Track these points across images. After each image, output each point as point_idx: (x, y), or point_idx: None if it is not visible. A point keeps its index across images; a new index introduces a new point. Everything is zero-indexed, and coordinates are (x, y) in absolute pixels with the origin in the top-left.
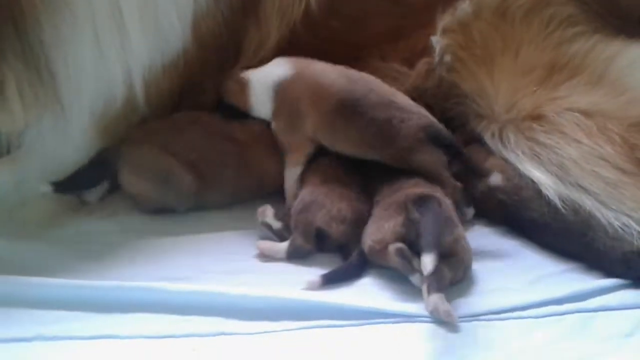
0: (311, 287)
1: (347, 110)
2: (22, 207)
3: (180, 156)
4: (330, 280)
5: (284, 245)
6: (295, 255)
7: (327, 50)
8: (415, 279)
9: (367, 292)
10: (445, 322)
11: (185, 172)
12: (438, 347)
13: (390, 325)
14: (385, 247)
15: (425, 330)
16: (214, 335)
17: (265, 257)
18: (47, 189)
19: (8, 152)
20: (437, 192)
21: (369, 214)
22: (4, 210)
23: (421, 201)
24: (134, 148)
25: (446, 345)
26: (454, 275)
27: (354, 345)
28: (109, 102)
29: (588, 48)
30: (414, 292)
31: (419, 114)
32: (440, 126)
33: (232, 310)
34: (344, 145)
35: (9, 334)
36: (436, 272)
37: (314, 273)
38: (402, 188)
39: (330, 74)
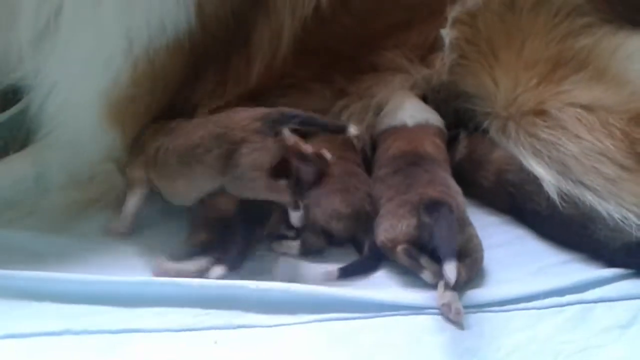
0: (328, 277)
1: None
2: (43, 200)
3: None
4: (347, 273)
5: (296, 243)
6: (308, 253)
7: (339, 46)
8: (425, 275)
9: (378, 284)
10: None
11: None
12: (445, 338)
13: (400, 317)
14: (396, 246)
15: (433, 322)
16: (235, 328)
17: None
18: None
19: (25, 146)
20: (449, 195)
21: (369, 199)
22: (25, 203)
23: (433, 207)
24: None
25: (453, 337)
26: (469, 275)
27: (366, 336)
28: (115, 80)
29: (594, 42)
30: (422, 285)
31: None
32: (279, 109)
33: (251, 304)
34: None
35: (39, 328)
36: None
37: (330, 267)
38: (415, 185)
39: None
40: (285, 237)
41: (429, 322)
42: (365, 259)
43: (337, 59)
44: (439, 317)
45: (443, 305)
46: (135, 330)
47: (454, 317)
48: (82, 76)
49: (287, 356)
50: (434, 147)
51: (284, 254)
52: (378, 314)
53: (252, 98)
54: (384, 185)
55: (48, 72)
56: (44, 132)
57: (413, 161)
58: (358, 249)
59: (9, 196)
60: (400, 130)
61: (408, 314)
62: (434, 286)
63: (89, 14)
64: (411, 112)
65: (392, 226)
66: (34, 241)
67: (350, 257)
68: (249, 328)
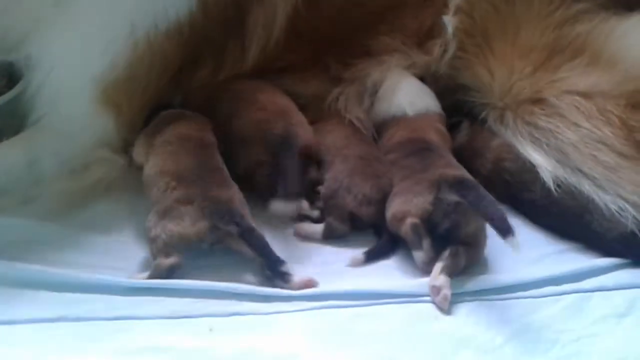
0: (355, 264)
1: None
2: (36, 188)
3: None
4: (372, 257)
5: (319, 227)
6: (331, 236)
7: (331, 30)
8: (418, 256)
9: (374, 272)
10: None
11: None
12: (441, 326)
13: (396, 305)
14: (405, 218)
15: (429, 309)
16: (229, 315)
17: (302, 238)
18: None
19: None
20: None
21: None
22: (18, 191)
23: (462, 185)
24: None
25: (449, 325)
26: (469, 263)
27: (361, 324)
28: (112, 63)
29: (590, 28)
30: (417, 273)
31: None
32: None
33: (246, 291)
34: None
35: (34, 315)
36: (455, 257)
37: (326, 256)
38: (433, 165)
39: None
40: (308, 219)
41: (425, 310)
42: (387, 240)
43: (330, 44)
44: (435, 305)
45: (433, 287)
46: (130, 317)
47: (439, 302)
48: (79, 58)
49: (282, 344)
50: (438, 135)
51: (306, 238)
52: (374, 301)
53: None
54: (396, 167)
55: (46, 54)
56: (37, 117)
57: (424, 147)
58: (378, 233)
59: (1, 184)
60: (401, 119)
61: (404, 301)
62: (429, 274)
63: None
64: (410, 97)
65: (407, 200)
66: (28, 229)
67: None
68: (244, 315)
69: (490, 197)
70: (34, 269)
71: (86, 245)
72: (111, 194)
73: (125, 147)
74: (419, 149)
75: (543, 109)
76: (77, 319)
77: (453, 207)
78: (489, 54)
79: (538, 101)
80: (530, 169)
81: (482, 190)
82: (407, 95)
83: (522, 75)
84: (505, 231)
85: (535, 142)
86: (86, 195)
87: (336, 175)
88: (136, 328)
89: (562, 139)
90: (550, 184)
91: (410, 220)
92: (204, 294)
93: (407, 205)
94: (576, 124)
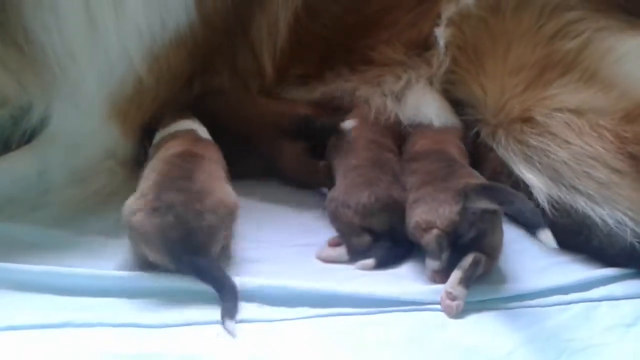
0: (365, 267)
1: None
2: (45, 195)
3: None
4: (383, 262)
5: (342, 250)
6: (357, 253)
7: (333, 37)
8: (433, 265)
9: (380, 280)
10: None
11: None
12: (448, 334)
13: (402, 313)
14: (430, 228)
15: (436, 318)
16: (236, 322)
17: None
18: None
19: (28, 141)
20: None
21: (397, 186)
22: (28, 199)
23: (488, 188)
24: None
25: (456, 333)
26: (484, 272)
27: (367, 332)
28: (118, 77)
29: (582, 43)
30: (424, 281)
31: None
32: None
33: (251, 298)
34: None
35: (40, 320)
36: (477, 265)
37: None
38: (456, 175)
39: None
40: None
41: (431, 318)
42: (399, 245)
43: (334, 51)
44: (442, 313)
45: (449, 293)
46: (135, 324)
47: (449, 308)
48: (88, 74)
49: (288, 351)
50: (458, 151)
51: (333, 262)
52: (380, 309)
53: (270, 92)
54: (417, 174)
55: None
56: (46, 128)
57: (447, 157)
58: (395, 238)
59: (11, 193)
60: (426, 128)
61: (410, 309)
62: (436, 283)
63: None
64: (436, 109)
65: (432, 209)
66: (36, 235)
67: None
68: (250, 322)
69: (519, 193)
70: (40, 272)
71: (93, 251)
72: (118, 201)
73: (135, 156)
74: (443, 159)
75: (533, 128)
76: (83, 325)
77: (479, 216)
78: (480, 71)
79: (528, 120)
80: (524, 188)
81: (509, 188)
82: (433, 107)
83: (513, 94)
84: (536, 224)
85: (528, 160)
86: (93, 202)
87: (333, 196)
88: (142, 334)
89: (554, 158)
90: (545, 205)
91: (436, 232)
92: (210, 300)
93: (432, 214)
94: (567, 142)
